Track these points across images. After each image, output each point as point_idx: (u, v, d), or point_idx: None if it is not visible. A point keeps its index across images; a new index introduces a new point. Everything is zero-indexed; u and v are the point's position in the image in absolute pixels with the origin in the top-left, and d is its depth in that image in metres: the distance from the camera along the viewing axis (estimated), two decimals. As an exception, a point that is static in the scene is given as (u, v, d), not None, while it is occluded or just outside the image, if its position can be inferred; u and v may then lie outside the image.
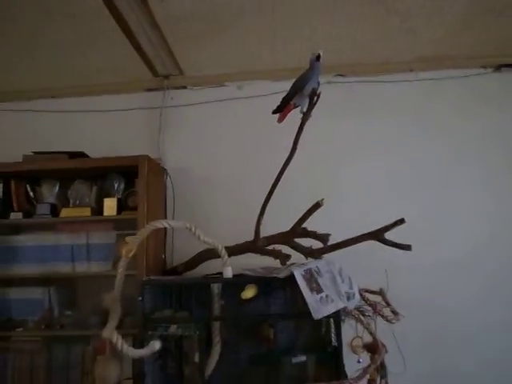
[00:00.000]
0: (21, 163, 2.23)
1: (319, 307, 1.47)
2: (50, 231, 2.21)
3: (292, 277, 1.53)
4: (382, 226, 1.75)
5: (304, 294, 1.48)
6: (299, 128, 1.74)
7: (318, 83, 1.69)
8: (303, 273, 1.53)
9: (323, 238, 1.88)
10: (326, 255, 1.87)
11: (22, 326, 2.12)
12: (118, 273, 1.72)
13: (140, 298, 1.66)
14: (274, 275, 1.60)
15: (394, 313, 1.67)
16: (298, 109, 1.77)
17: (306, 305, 1.48)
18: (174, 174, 2.40)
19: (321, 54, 1.64)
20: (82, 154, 2.25)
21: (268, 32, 2.06)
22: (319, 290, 1.51)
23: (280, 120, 1.75)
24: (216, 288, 1.77)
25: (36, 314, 2.17)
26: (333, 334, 1.74)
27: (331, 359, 1.62)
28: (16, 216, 2.17)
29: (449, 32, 2.09)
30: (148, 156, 2.15)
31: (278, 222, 1.86)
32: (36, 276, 2.16)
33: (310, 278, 1.53)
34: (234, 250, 1.93)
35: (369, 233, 1.83)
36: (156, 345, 1.50)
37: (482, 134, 2.34)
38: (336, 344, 1.60)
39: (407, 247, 1.76)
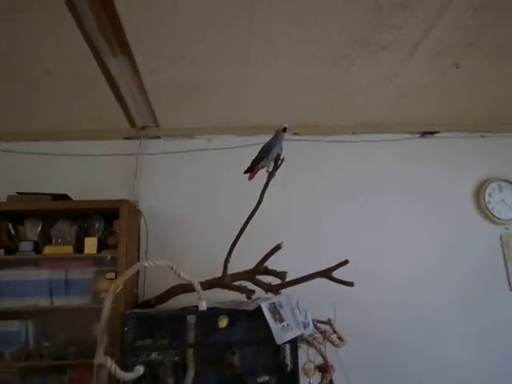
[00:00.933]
0: (5, 203, 2.40)
1: (282, 334, 1.80)
2: (31, 267, 2.37)
3: (259, 309, 1.84)
4: (330, 266, 2.13)
5: (269, 323, 1.80)
6: (265, 184, 2.10)
7: (281, 148, 2.06)
8: (268, 306, 1.86)
9: (281, 275, 2.22)
10: (283, 290, 2.21)
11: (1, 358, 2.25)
12: (105, 306, 1.93)
13: (126, 329, 1.89)
14: (244, 308, 1.91)
15: (340, 339, 2.02)
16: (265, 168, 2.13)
17: (270, 332, 1.80)
18: (148, 215, 2.67)
19: (286, 127, 2.02)
20: (64, 197, 2.46)
21: (237, 97, 2.44)
22: (281, 320, 1.84)
23: (250, 178, 2.09)
24: (192, 319, 2.04)
25: (13, 346, 2.29)
26: (288, 358, 2.06)
27: (289, 380, 1.93)
28: (-2, 253, 2.33)
29: (384, 106, 2.59)
30: (128, 200, 2.41)
31: (242, 261, 2.17)
32: (14, 310, 2.30)
33: (274, 309, 1.86)
34: (204, 285, 2.21)
35: (319, 272, 2.20)
36: (141, 369, 1.74)
37: (411, 185, 2.82)
38: (292, 367, 1.91)
39: (350, 284, 2.14)
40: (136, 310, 2.04)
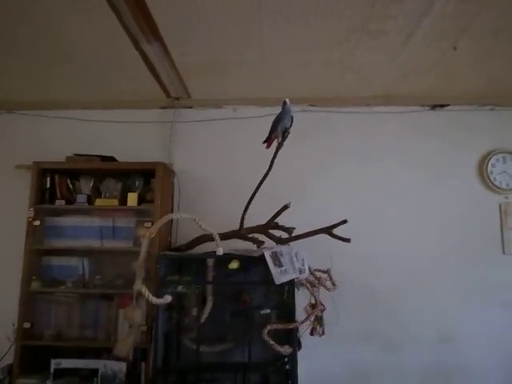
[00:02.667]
0: (64, 162, 2.92)
1: (280, 276, 2.22)
2: (85, 215, 2.91)
3: (263, 256, 2.26)
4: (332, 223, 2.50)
5: (270, 267, 2.22)
6: (274, 153, 2.45)
7: (291, 120, 2.37)
8: (270, 253, 2.27)
9: (289, 230, 2.63)
10: (290, 243, 2.61)
11: (63, 285, 2.84)
12: (142, 247, 2.43)
13: (158, 266, 2.37)
14: (251, 255, 2.33)
15: (334, 284, 2.42)
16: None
17: (271, 275, 2.23)
18: (181, 175, 3.11)
19: (287, 102, 2.33)
20: (111, 158, 2.95)
21: (256, 73, 2.76)
22: (280, 265, 2.25)
23: (267, 147, 2.43)
24: (210, 262, 2.50)
25: (73, 277, 2.88)
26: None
27: (286, 314, 2.36)
28: (60, 203, 2.87)
29: (392, 81, 2.82)
30: (163, 162, 2.86)
31: (258, 216, 2.57)
32: (73, 248, 2.87)
33: (275, 257, 2.27)
34: (224, 236, 2.65)
35: (321, 228, 2.58)
36: (168, 298, 2.22)
37: (418, 154, 3.07)
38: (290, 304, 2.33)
39: (347, 240, 2.51)
40: (166, 252, 2.52)
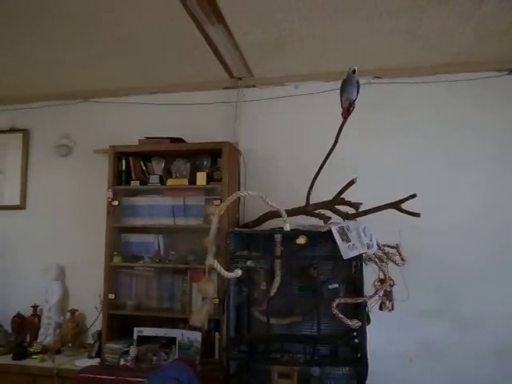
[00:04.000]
0: (137, 145, 3.10)
1: (347, 251, 2.23)
2: (158, 195, 3.09)
3: (330, 231, 2.28)
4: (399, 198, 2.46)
5: (337, 242, 2.24)
6: (340, 127, 2.42)
7: (358, 90, 2.30)
8: (338, 228, 2.28)
9: (355, 205, 2.62)
10: (358, 218, 2.60)
11: (141, 260, 3.05)
12: (212, 224, 2.54)
13: (228, 242, 2.48)
14: (318, 230, 2.36)
15: (403, 259, 2.39)
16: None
17: (338, 250, 2.25)
18: (246, 154, 3.18)
19: (353, 69, 2.25)
20: (180, 140, 3.08)
21: (319, 48, 2.73)
22: (348, 240, 2.26)
23: (343, 117, 2.38)
24: (278, 237, 2.56)
25: (149, 252, 3.09)
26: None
27: (354, 289, 2.38)
28: (135, 183, 3.06)
29: (464, 47, 2.66)
30: (229, 142, 2.94)
31: (324, 192, 2.58)
32: (148, 226, 3.07)
33: (342, 231, 2.28)
34: (290, 212, 2.69)
35: (390, 203, 2.54)
36: (239, 272, 2.32)
37: (494, 126, 2.89)
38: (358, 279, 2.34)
39: (417, 214, 2.46)
40: (236, 229, 2.62)
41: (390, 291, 2.30)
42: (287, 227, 2.45)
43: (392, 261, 2.35)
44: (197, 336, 2.82)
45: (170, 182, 3.01)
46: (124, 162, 3.12)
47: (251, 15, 2.32)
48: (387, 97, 3.03)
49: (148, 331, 2.90)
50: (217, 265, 2.28)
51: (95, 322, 3.25)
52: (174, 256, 3.00)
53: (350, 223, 2.36)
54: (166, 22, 2.39)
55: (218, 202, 2.86)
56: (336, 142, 2.47)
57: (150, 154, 3.12)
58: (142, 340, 2.89)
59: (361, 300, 2.19)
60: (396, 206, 2.54)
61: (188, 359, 2.48)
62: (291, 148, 3.15)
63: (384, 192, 2.58)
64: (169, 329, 2.89)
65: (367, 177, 2.74)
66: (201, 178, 2.96)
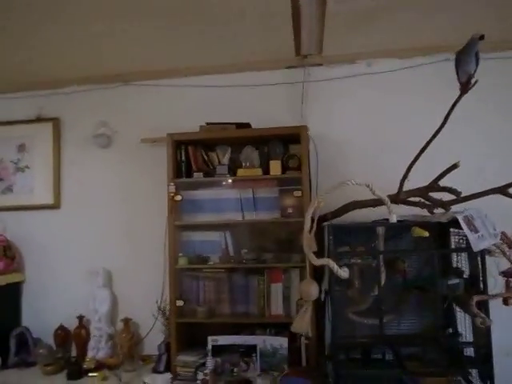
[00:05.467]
0: (198, 133, 2.76)
1: (478, 243, 2.00)
2: (223, 187, 2.77)
3: (454, 221, 2.05)
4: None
5: (466, 233, 2.01)
6: (452, 105, 2.16)
7: (477, 62, 2.02)
8: (463, 217, 2.05)
9: (457, 192, 2.38)
10: (453, 206, 2.37)
11: (206, 261, 2.73)
12: (306, 217, 2.26)
13: (330, 237, 2.20)
14: (439, 220, 2.12)
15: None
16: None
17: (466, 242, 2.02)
18: (316, 139, 2.88)
19: (484, 35, 1.90)
20: (247, 125, 2.76)
21: (396, 22, 2.47)
22: (476, 231, 2.03)
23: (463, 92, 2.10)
24: (381, 230, 2.31)
25: (215, 252, 2.77)
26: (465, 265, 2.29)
27: (476, 284, 2.15)
28: (198, 175, 2.73)
29: None
30: (306, 126, 2.64)
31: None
32: (214, 223, 2.74)
33: (468, 221, 2.04)
34: (379, 202, 2.44)
35: (493, 188, 2.32)
36: (347, 270, 2.05)
37: None
38: (481, 274, 2.11)
39: None
40: (334, 222, 2.34)
41: (520, 284, 2.09)
42: (394, 218, 2.20)
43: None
44: (282, 342, 2.54)
45: (240, 172, 2.69)
46: (183, 151, 2.77)
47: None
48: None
49: (224, 340, 2.60)
50: (332, 264, 2.00)
51: (151, 330, 2.92)
52: (248, 254, 2.69)
53: (472, 211, 2.12)
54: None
55: (298, 192, 2.58)
56: (445, 121, 2.21)
57: (212, 142, 2.79)
58: (217, 350, 2.58)
59: (503, 295, 1.97)
60: (503, 190, 2.32)
61: (298, 372, 2.21)
62: (363, 132, 2.88)
63: (471, 177, 2.38)
64: (248, 336, 2.60)
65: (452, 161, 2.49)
66: (275, 166, 2.66)
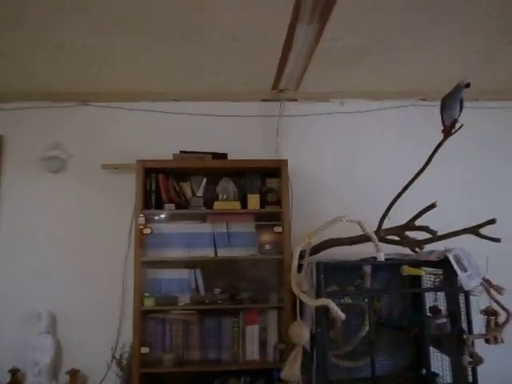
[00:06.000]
0: (172, 161, 2.56)
1: (468, 281, 2.03)
2: (195, 221, 2.57)
3: (445, 259, 2.07)
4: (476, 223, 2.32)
5: (457, 271, 2.03)
6: (437, 146, 2.23)
7: (461, 107, 2.12)
8: (453, 256, 2.07)
9: (433, 231, 2.44)
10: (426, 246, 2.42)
11: (174, 302, 2.47)
12: (294, 255, 2.18)
13: (322, 276, 2.09)
14: (428, 259, 2.13)
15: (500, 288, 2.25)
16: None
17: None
18: (291, 173, 2.80)
19: (470, 83, 2.02)
20: (223, 155, 2.62)
21: (372, 66, 2.57)
22: (465, 270, 2.06)
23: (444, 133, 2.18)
24: (368, 268, 2.26)
25: (184, 291, 2.52)
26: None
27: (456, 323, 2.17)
28: (169, 207, 2.50)
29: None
30: (287, 160, 2.58)
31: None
32: (182, 259, 2.51)
33: (458, 260, 2.08)
34: (359, 239, 2.42)
35: (466, 228, 2.40)
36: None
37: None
38: (466, 311, 2.13)
39: (497, 240, 2.36)
40: (324, 260, 2.23)
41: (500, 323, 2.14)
42: (382, 256, 2.19)
43: (494, 288, 2.19)
44: (258, 391, 2.34)
45: (217, 205, 2.52)
46: (153, 180, 2.55)
47: (353, 18, 2.05)
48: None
49: (194, 391, 2.33)
50: (332, 305, 1.90)
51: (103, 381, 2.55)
52: (222, 295, 2.49)
53: (457, 250, 2.17)
54: (259, 19, 2.01)
55: (279, 228, 2.48)
56: (429, 162, 2.27)
57: (186, 171, 2.61)
58: (186, 403, 2.31)
59: (493, 335, 1.99)
60: (474, 231, 2.42)
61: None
62: (338, 168, 2.90)
63: (456, 217, 2.46)
64: (220, 385, 2.36)
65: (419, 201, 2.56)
66: (253, 200, 2.54)
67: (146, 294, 2.41)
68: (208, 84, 2.77)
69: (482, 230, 2.30)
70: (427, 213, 2.26)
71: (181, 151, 2.59)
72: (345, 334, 2.32)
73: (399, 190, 2.45)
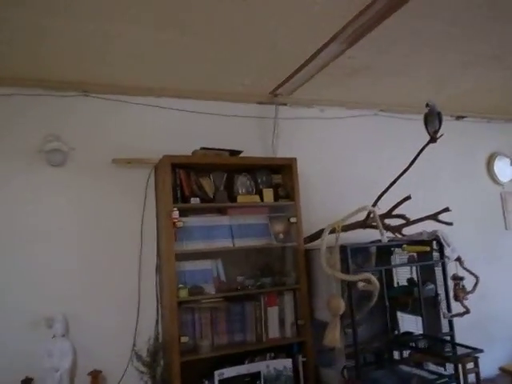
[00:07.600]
0: (194, 157, 2.67)
1: (452, 254, 2.66)
2: (215, 214, 2.72)
3: (437, 238, 2.66)
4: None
5: (445, 246, 2.64)
6: (420, 150, 2.81)
7: (440, 120, 2.75)
8: (441, 235, 2.69)
9: (407, 218, 3.05)
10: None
11: (201, 292, 2.57)
12: (322, 241, 2.53)
13: (349, 257, 2.48)
14: (422, 238, 2.70)
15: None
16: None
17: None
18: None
19: (430, 103, 2.70)
20: (238, 152, 2.81)
21: (349, 84, 3.09)
22: (449, 245, 2.69)
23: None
24: (373, 249, 2.74)
25: (207, 281, 2.64)
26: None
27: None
28: (195, 201, 2.60)
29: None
30: (295, 158, 2.89)
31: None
32: (206, 250, 2.64)
33: (443, 238, 2.69)
34: (350, 227, 2.88)
35: (429, 215, 3.07)
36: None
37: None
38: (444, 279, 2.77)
39: (450, 223, 3.09)
40: (349, 244, 2.60)
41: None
42: (385, 239, 2.69)
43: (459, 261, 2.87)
44: (285, 363, 2.63)
45: (240, 198, 2.71)
46: (176, 176, 2.61)
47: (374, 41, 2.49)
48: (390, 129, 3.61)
49: (229, 372, 2.50)
50: (373, 278, 2.31)
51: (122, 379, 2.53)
52: (245, 281, 2.69)
53: (440, 231, 2.79)
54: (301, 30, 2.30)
55: (294, 218, 2.79)
56: (413, 162, 2.85)
57: (204, 167, 2.72)
58: (223, 383, 2.47)
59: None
60: (434, 217, 3.12)
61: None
62: (322, 165, 3.31)
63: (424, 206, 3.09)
64: (251, 364, 2.58)
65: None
66: (268, 194, 2.80)
67: (180, 285, 2.48)
68: (208, 84, 2.92)
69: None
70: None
71: (201, 148, 2.70)
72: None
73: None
